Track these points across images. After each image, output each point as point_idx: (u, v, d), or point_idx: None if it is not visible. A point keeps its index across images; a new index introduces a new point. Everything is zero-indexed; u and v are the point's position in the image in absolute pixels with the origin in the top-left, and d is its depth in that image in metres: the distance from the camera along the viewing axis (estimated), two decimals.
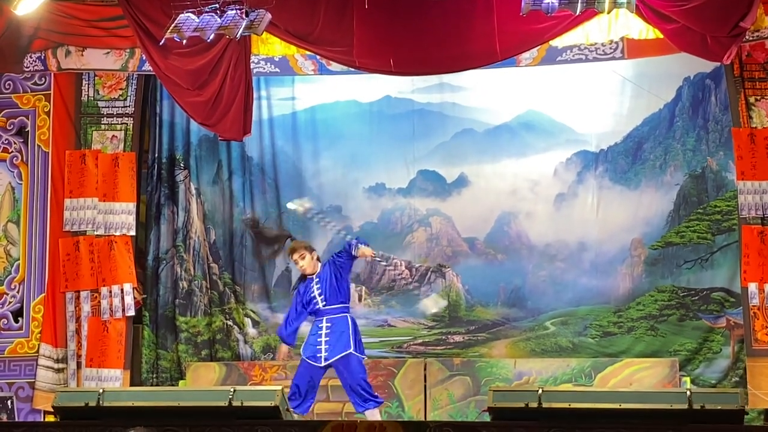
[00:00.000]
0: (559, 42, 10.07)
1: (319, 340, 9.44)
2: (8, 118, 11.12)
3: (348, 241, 9.89)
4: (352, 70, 10.45)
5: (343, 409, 10.65)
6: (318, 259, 9.71)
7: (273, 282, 11.71)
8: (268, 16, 9.34)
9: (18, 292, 10.95)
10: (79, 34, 10.72)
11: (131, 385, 10.83)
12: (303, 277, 9.71)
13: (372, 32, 9.88)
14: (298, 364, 9.60)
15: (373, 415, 9.30)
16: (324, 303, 9.49)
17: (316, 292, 9.52)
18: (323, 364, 9.41)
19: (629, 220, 11.12)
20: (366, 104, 11.67)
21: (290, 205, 11.15)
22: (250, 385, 10.82)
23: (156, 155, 11.66)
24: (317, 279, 9.56)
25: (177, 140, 11.74)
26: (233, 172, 11.78)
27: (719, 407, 7.36)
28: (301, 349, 9.61)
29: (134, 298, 10.89)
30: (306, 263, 9.61)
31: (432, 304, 10.90)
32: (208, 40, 9.44)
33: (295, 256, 9.66)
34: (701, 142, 11.02)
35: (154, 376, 11.40)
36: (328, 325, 9.45)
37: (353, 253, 9.46)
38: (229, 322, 11.61)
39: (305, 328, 9.80)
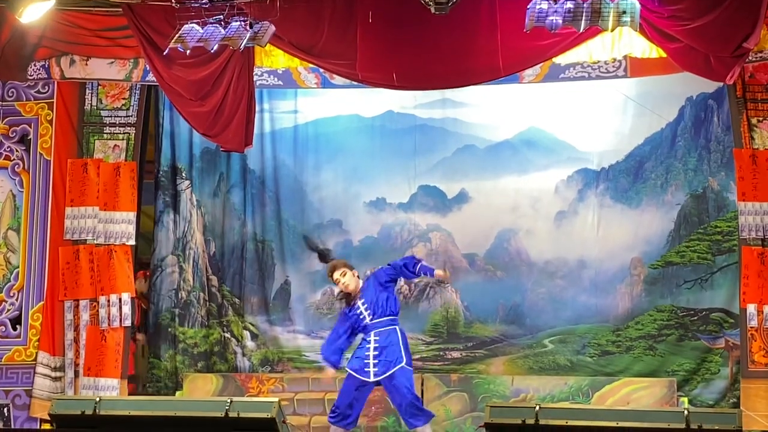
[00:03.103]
0: (562, 59, 10.09)
1: (367, 354, 9.46)
2: (11, 125, 11.12)
3: (407, 259, 9.76)
4: (355, 84, 10.46)
5: None
6: (358, 276, 9.73)
7: (272, 295, 11.70)
8: (272, 28, 9.37)
9: (17, 299, 10.94)
10: (83, 43, 10.73)
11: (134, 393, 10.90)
12: (347, 298, 9.66)
13: (375, 46, 9.90)
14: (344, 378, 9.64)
15: (424, 431, 9.33)
16: (371, 318, 9.51)
17: (362, 308, 9.53)
18: (372, 379, 9.43)
19: (629, 238, 11.11)
20: (368, 119, 11.67)
21: None
22: (247, 396, 10.81)
23: (158, 163, 11.68)
24: (362, 300, 9.55)
25: (180, 151, 11.77)
26: (234, 184, 11.80)
27: (716, 427, 7.36)
28: (347, 363, 9.63)
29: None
30: (348, 280, 9.60)
31: None
32: (212, 51, 9.46)
33: (336, 274, 9.64)
34: (703, 162, 11.03)
35: (148, 385, 11.39)
36: (377, 338, 9.47)
37: (417, 272, 9.52)
38: (227, 335, 11.60)
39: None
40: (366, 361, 9.43)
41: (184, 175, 11.76)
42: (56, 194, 10.94)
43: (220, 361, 11.55)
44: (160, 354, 11.55)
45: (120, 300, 10.75)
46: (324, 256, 9.98)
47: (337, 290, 9.98)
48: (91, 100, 11.07)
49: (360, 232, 11.63)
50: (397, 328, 9.54)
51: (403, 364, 9.41)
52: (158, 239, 11.69)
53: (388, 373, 9.39)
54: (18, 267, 10.99)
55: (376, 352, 9.43)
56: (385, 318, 9.50)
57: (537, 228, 11.36)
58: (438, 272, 9.76)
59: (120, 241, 10.84)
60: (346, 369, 9.58)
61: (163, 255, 11.67)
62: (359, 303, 9.55)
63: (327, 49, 10.02)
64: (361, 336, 9.64)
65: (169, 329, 11.59)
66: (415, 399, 9.44)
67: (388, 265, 9.71)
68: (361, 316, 9.53)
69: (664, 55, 9.71)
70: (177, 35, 9.34)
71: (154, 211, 11.70)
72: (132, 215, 10.86)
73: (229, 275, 11.76)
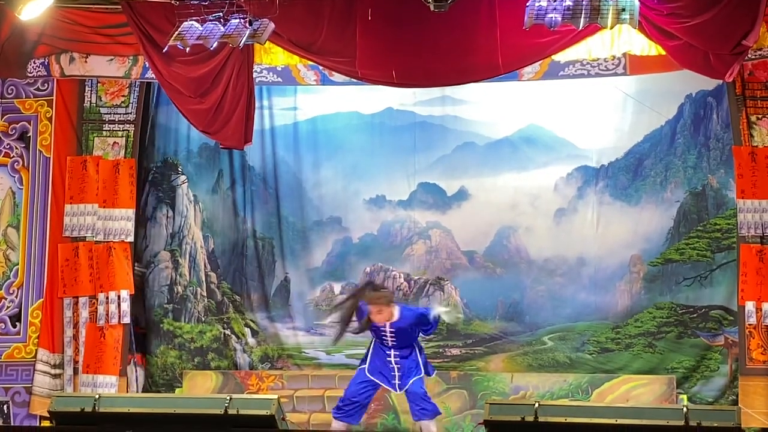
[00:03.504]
0: (561, 57, 10.09)
1: (391, 367, 9.52)
2: (10, 122, 11.13)
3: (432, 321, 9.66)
4: (355, 81, 10.46)
5: None
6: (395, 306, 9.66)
7: (272, 292, 11.69)
8: (272, 25, 9.37)
9: (16, 296, 10.95)
10: (83, 40, 10.73)
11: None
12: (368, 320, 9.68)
13: (375, 43, 9.89)
14: (354, 377, 9.67)
15: (429, 427, 9.41)
16: (394, 343, 9.55)
17: (389, 335, 9.56)
18: (398, 392, 9.57)
19: (629, 236, 11.10)
20: (368, 116, 11.66)
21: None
22: (247, 393, 10.81)
23: (153, 159, 11.70)
24: (392, 330, 9.55)
25: (176, 146, 11.76)
26: (234, 181, 11.79)
27: (716, 424, 7.38)
28: (367, 370, 9.61)
29: None
30: (381, 317, 9.54)
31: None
32: (211, 49, 9.46)
33: (372, 308, 9.53)
34: (702, 159, 11.02)
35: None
36: (397, 353, 9.54)
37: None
38: (227, 331, 11.60)
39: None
40: (392, 373, 9.51)
41: (179, 170, 11.75)
42: (55, 191, 10.94)
43: (220, 357, 11.54)
44: (151, 350, 11.55)
45: (119, 297, 10.75)
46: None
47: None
48: (91, 97, 11.08)
49: (359, 229, 11.62)
50: (414, 344, 9.65)
51: (422, 374, 9.53)
52: (150, 235, 11.68)
53: (410, 383, 9.49)
54: (17, 264, 11.00)
55: (399, 365, 9.51)
56: (405, 348, 9.60)
57: (536, 225, 11.36)
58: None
59: (119, 238, 10.85)
60: (366, 374, 9.61)
61: (155, 251, 11.67)
62: (387, 330, 9.56)
63: (326, 46, 10.01)
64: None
65: (161, 325, 11.59)
66: (424, 394, 9.50)
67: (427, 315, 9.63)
68: (385, 338, 9.57)
69: (664, 52, 9.71)
70: (176, 32, 9.34)
71: (145, 206, 11.68)
72: (131, 212, 10.87)
73: (230, 272, 11.75)
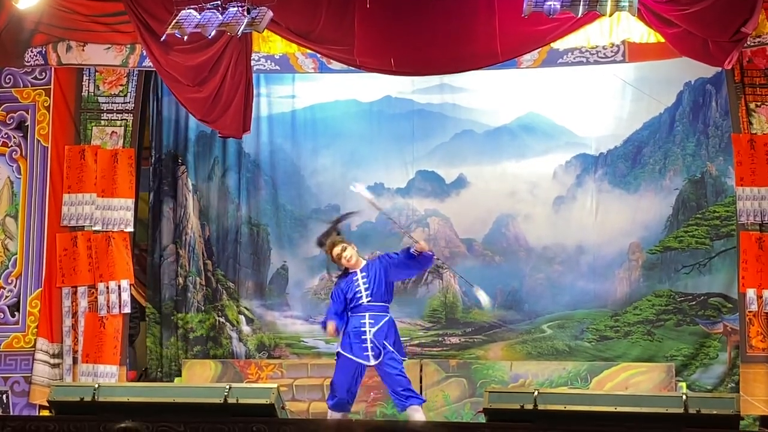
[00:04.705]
0: (560, 44, 10.07)
1: (364, 338, 9.37)
2: (8, 112, 11.09)
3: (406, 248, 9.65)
4: (353, 69, 10.44)
5: None
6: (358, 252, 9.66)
7: (268, 279, 11.68)
8: (270, 13, 9.35)
9: (15, 286, 10.93)
10: (80, 29, 10.70)
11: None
12: (344, 272, 9.62)
13: (373, 31, 9.87)
14: (336, 361, 9.55)
15: (416, 412, 9.28)
16: (369, 299, 9.45)
17: (362, 287, 9.47)
18: (372, 363, 9.36)
19: (628, 224, 11.11)
20: (366, 104, 11.65)
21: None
22: (246, 382, 10.81)
23: (157, 152, 11.68)
24: (363, 273, 9.51)
25: (176, 136, 11.74)
26: (229, 168, 11.76)
27: (715, 412, 7.40)
28: (340, 346, 9.52)
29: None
30: (351, 254, 9.54)
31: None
32: (210, 37, 9.44)
33: (337, 249, 9.57)
34: (701, 147, 11.02)
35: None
36: (371, 321, 9.42)
37: (412, 252, 9.44)
38: (222, 319, 11.59)
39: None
40: (364, 345, 9.39)
41: (180, 160, 11.75)
42: (54, 181, 10.91)
43: (216, 346, 11.54)
44: (163, 342, 11.57)
45: (119, 287, 10.74)
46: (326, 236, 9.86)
47: (335, 274, 9.92)
48: (89, 86, 11.04)
49: (358, 217, 11.56)
50: (389, 316, 9.52)
51: (394, 352, 9.39)
52: (161, 229, 11.68)
53: (382, 357, 9.35)
54: (16, 254, 10.98)
55: (373, 336, 9.37)
56: (380, 303, 9.48)
57: (535, 213, 11.36)
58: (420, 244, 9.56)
59: (118, 228, 10.81)
60: (341, 352, 9.53)
61: (165, 245, 11.67)
62: (359, 276, 9.49)
63: (324, 34, 9.99)
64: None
65: (172, 318, 11.59)
66: (405, 382, 9.40)
67: (395, 253, 9.64)
68: (358, 293, 9.45)
69: (663, 40, 9.70)
70: (174, 21, 9.31)
71: (153, 201, 11.67)
72: (130, 202, 10.84)
73: (224, 259, 11.74)
